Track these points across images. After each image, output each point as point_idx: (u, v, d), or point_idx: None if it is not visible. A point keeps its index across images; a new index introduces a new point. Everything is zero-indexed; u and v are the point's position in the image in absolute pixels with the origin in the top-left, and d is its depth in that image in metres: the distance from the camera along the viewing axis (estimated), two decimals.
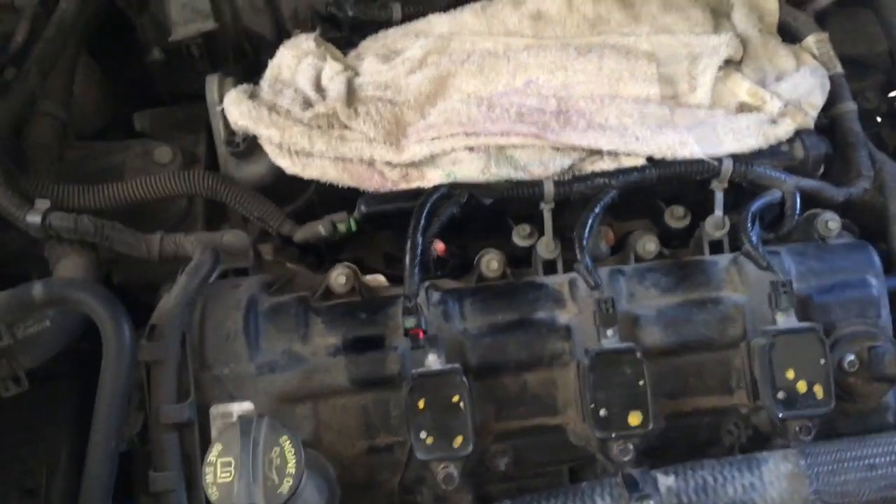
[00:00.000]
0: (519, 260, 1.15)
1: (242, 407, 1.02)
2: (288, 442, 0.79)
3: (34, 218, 1.02)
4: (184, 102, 1.38)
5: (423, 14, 1.29)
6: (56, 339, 0.99)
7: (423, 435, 0.97)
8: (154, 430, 0.98)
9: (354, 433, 1.04)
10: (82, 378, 1.22)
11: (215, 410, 1.01)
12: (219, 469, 0.79)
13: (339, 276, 1.11)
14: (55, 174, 1.17)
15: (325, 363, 1.04)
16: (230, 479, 0.78)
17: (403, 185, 1.14)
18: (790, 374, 0.97)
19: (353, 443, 1.04)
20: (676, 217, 1.15)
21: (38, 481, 1.20)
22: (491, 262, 1.11)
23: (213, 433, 1.01)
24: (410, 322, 0.99)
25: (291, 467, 0.78)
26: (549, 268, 1.11)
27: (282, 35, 1.37)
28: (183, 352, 1.01)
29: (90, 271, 1.05)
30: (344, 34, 1.33)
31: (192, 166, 1.30)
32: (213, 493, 0.78)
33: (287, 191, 1.20)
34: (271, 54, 1.26)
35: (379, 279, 1.16)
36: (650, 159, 1.11)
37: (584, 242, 1.05)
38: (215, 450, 0.80)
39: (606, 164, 1.12)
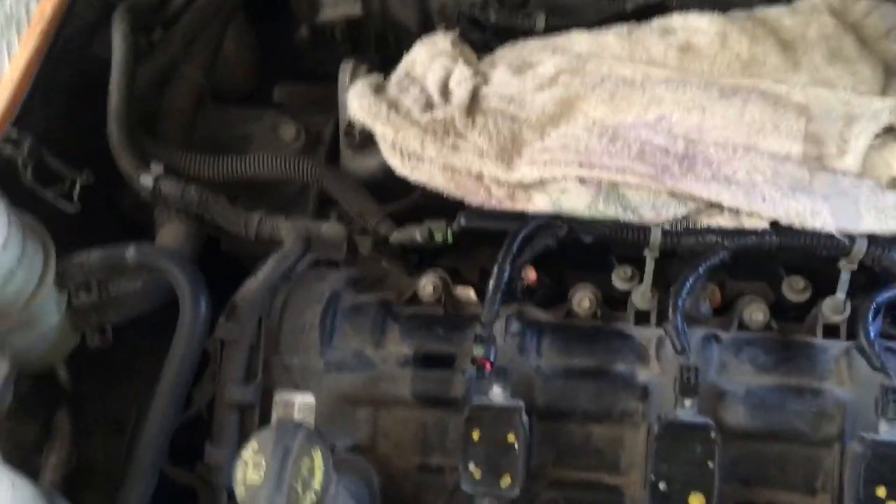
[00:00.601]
0: (615, 301, 1.09)
1: (305, 399, 1.03)
2: (320, 456, 0.79)
3: (146, 181, 1.07)
4: (324, 81, 1.41)
5: (567, 28, 1.23)
6: (144, 300, 1.03)
7: (471, 467, 0.94)
8: (217, 406, 1.01)
9: (409, 447, 1.03)
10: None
11: (278, 397, 1.03)
12: (250, 468, 0.79)
13: (427, 285, 1.10)
14: (184, 138, 1.21)
15: (392, 372, 1.03)
16: (259, 482, 0.78)
17: (508, 205, 1.11)
18: (881, 492, 0.87)
19: (406, 457, 1.03)
20: (795, 289, 1.05)
21: (126, 419, 1.27)
22: (583, 301, 1.06)
23: (273, 418, 1.03)
24: (479, 351, 0.96)
25: (317, 483, 0.78)
26: (643, 318, 1.05)
27: (427, 29, 1.36)
28: (258, 335, 1.03)
29: (190, 239, 1.09)
30: (485, 37, 1.29)
31: (317, 147, 1.33)
32: (240, 491, 0.79)
33: (396, 188, 1.19)
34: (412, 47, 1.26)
35: (469, 293, 1.14)
36: (774, 224, 1.02)
37: (680, 302, 0.98)
38: (250, 448, 0.80)
39: (725, 221, 1.04)
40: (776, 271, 1.08)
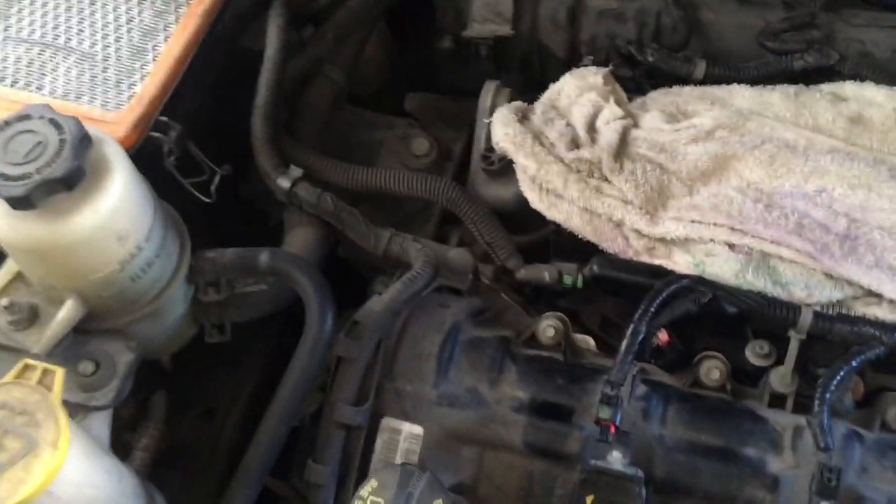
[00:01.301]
0: (744, 374, 1.03)
1: (413, 429, 0.99)
2: None
3: (284, 182, 1.05)
4: (458, 96, 1.37)
5: (728, 81, 1.17)
6: (268, 303, 1.01)
7: None
8: (325, 423, 0.98)
9: (513, 496, 0.98)
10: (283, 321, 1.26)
11: (386, 423, 1.00)
12: None
13: (547, 328, 1.05)
14: (319, 137, 1.19)
15: (505, 415, 0.99)
16: None
17: (646, 259, 1.06)
18: None
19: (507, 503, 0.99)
20: None
21: (218, 405, 1.26)
22: (713, 371, 1.01)
23: (378, 444, 1.00)
24: (606, 413, 0.92)
25: None
26: (777, 401, 0.99)
27: (574, 57, 1.32)
28: (374, 356, 1.00)
29: (319, 245, 1.06)
30: (636, 76, 1.24)
31: (445, 163, 1.29)
32: None
33: (526, 221, 1.15)
34: (556, 74, 1.21)
35: (589, 342, 1.09)
36: None
37: (828, 395, 0.91)
38: (369, 486, 0.77)
39: (882, 312, 0.97)
40: None
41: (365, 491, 0.77)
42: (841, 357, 0.94)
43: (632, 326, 0.97)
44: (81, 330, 0.87)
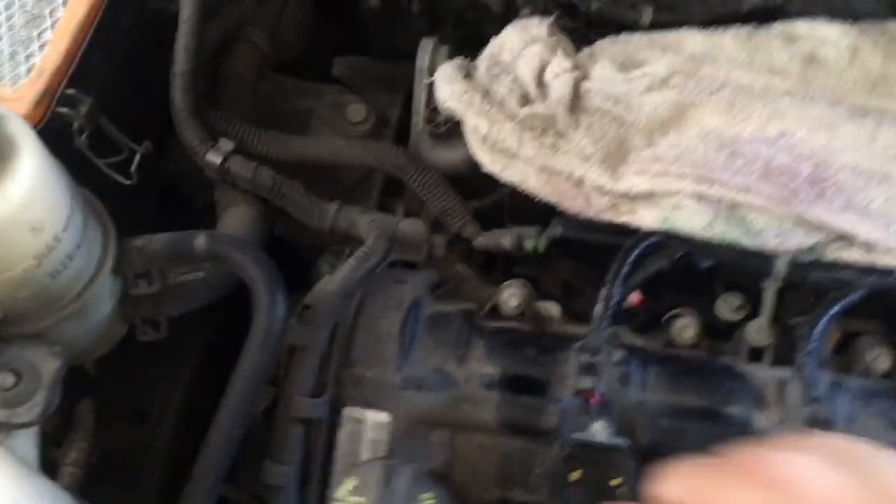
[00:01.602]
0: (715, 331, 0.99)
1: (378, 417, 0.91)
2: (431, 501, 0.68)
3: (214, 158, 0.94)
4: (389, 58, 1.28)
5: (676, 26, 1.12)
6: (205, 293, 0.91)
7: None
8: (281, 420, 0.89)
9: (489, 478, 0.92)
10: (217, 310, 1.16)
11: (348, 413, 0.92)
12: None
13: (511, 297, 0.99)
14: (245, 109, 1.08)
15: (476, 394, 0.92)
16: None
17: (609, 217, 1.00)
18: None
19: (485, 488, 0.92)
20: None
21: (150, 407, 1.15)
22: (686, 330, 0.96)
23: (341, 437, 0.91)
24: (586, 383, 0.86)
25: None
26: (755, 356, 0.95)
27: (510, 11, 1.24)
28: (330, 342, 0.91)
29: (257, 225, 0.97)
30: (579, 26, 1.18)
31: (382, 130, 1.21)
32: None
33: (476, 186, 1.07)
34: (493, 29, 1.13)
35: (553, 309, 1.03)
36: None
37: (814, 345, 0.88)
38: (348, 484, 0.70)
39: (855, 255, 0.94)
40: (892, 310, 0.99)
41: (342, 491, 0.69)
42: (820, 304, 0.91)
43: (605, 289, 0.91)
44: None
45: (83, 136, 0.85)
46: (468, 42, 1.15)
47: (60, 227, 0.71)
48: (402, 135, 1.18)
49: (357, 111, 1.15)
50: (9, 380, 0.73)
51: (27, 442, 0.77)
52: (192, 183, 1.12)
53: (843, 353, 0.98)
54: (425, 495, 0.69)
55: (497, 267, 1.13)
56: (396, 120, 1.22)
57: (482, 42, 1.12)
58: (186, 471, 1.05)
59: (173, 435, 1.15)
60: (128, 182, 0.89)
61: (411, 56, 1.13)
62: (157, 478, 1.13)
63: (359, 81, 1.26)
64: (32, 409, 0.74)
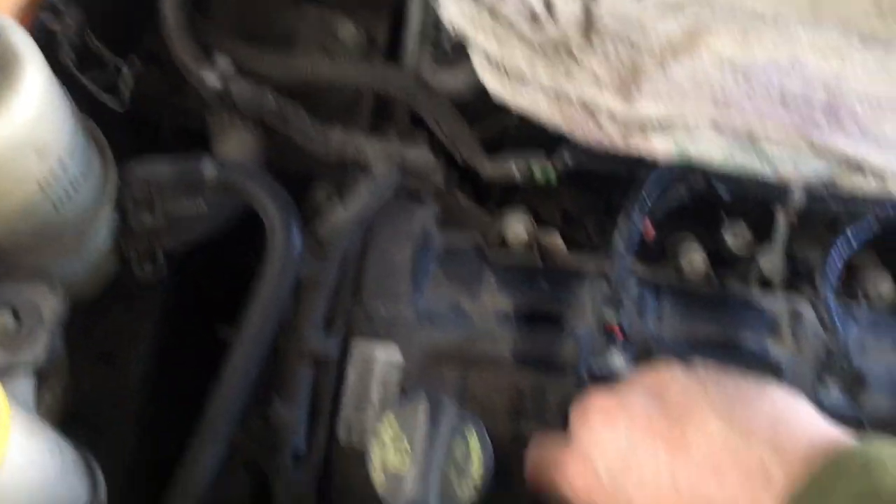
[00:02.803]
0: (721, 260, 0.98)
1: (390, 355, 0.88)
2: (475, 437, 0.66)
3: (212, 79, 0.86)
4: None
5: None
6: (208, 226, 0.85)
7: None
8: (290, 356, 0.85)
9: (502, 414, 0.90)
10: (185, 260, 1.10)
11: (357, 350, 0.88)
12: (391, 451, 0.65)
13: (517, 228, 0.96)
14: (232, 24, 1.00)
15: (491, 329, 0.89)
16: (403, 467, 0.64)
17: (620, 144, 0.96)
18: None
19: (497, 423, 0.90)
20: None
21: (119, 346, 1.10)
22: (695, 260, 0.95)
23: (350, 374, 0.88)
24: (611, 316, 0.84)
25: (476, 471, 0.65)
26: (765, 286, 0.95)
27: None
28: (341, 276, 0.86)
29: (259, 153, 0.90)
30: None
31: (372, 52, 1.14)
32: (378, 478, 0.64)
33: (480, 113, 1.03)
34: None
35: (557, 241, 1.01)
36: None
37: (830, 275, 0.88)
38: (388, 423, 0.66)
39: (868, 184, 0.94)
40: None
41: (384, 430, 0.65)
42: (835, 233, 0.90)
43: (626, 219, 0.89)
44: None
45: (68, 50, 0.77)
46: None
47: (65, 152, 0.64)
48: (388, 57, 1.12)
49: (348, 30, 1.07)
50: (9, 320, 0.67)
51: (27, 388, 0.71)
52: (160, 108, 1.04)
53: (846, 285, 0.98)
54: (468, 430, 0.66)
55: (492, 197, 1.09)
56: (384, 42, 1.15)
57: None
58: (161, 414, 1.00)
59: (144, 377, 1.10)
60: (118, 107, 0.81)
61: None
62: (131, 421, 1.09)
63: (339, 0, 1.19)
64: (35, 350, 0.68)
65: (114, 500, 0.91)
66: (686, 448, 0.64)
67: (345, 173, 0.96)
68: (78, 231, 0.71)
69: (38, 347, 0.68)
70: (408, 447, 0.64)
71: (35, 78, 0.60)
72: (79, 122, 0.67)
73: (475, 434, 0.66)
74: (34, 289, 0.68)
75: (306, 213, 0.93)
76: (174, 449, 0.85)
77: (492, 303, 0.91)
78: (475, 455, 0.66)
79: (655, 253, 0.99)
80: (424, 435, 0.64)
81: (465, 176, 1.09)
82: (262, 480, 0.92)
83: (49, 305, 0.69)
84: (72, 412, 0.92)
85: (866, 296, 0.95)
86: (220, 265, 0.98)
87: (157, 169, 0.78)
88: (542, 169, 0.97)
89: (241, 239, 0.89)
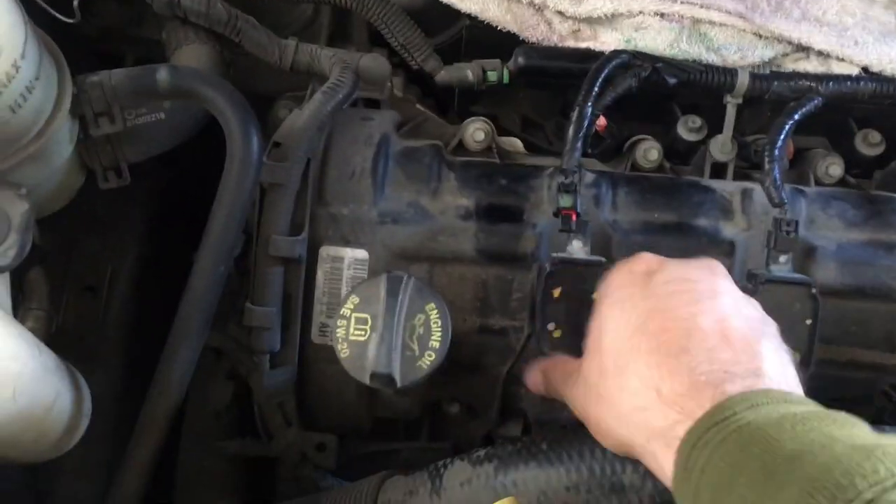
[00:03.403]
0: (676, 155, 1.01)
1: (356, 254, 0.91)
2: (435, 311, 0.69)
3: None
4: None
5: None
6: (168, 136, 0.87)
7: (551, 327, 0.86)
8: (259, 261, 0.87)
9: (468, 307, 0.93)
10: (164, 178, 1.12)
11: (325, 252, 0.91)
12: (352, 325, 0.68)
13: (476, 131, 0.98)
14: None
15: (452, 225, 0.92)
16: (364, 337, 0.67)
17: (570, 43, 0.99)
18: None
19: (464, 317, 0.93)
20: (870, 143, 1.00)
21: (100, 279, 1.12)
22: (650, 152, 0.98)
23: (320, 276, 0.91)
24: (567, 201, 0.87)
25: (436, 340, 0.68)
26: (718, 171, 0.98)
27: None
28: (303, 181, 0.89)
29: (215, 65, 0.91)
30: None
31: None
32: (342, 349, 0.68)
33: (434, 21, 1.04)
34: None
35: (515, 143, 1.04)
36: (865, 71, 0.95)
37: (777, 151, 0.90)
38: (350, 302, 0.69)
39: (812, 66, 0.97)
40: (845, 125, 1.03)
41: (346, 308, 0.69)
42: (782, 113, 0.93)
43: (577, 109, 0.91)
44: None
45: None
46: None
47: (18, 53, 0.65)
48: None
49: None
50: None
51: (1, 290, 0.73)
52: (120, 40, 1.05)
53: (796, 167, 1.02)
54: (429, 305, 0.69)
55: (451, 107, 1.12)
56: None
57: None
58: (145, 343, 1.03)
59: (127, 307, 1.12)
60: (71, 20, 0.82)
61: None
62: (116, 350, 1.11)
63: None
64: (6, 252, 0.70)
65: (103, 426, 0.94)
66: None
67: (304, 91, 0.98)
68: (37, 136, 0.72)
69: (11, 250, 0.70)
70: (369, 319, 0.67)
71: None
72: (31, 28, 0.68)
73: (435, 308, 0.69)
74: (1, 194, 0.70)
75: (269, 130, 0.95)
76: None
77: (452, 200, 0.93)
78: (435, 327, 0.69)
79: (614, 151, 1.02)
80: (384, 307, 0.67)
81: (427, 92, 1.12)
82: (244, 390, 0.96)
83: (17, 209, 0.71)
84: (57, 342, 0.96)
85: (817, 180, 0.98)
86: (196, 195, 1.01)
87: (112, 76, 0.79)
88: (495, 72, 0.99)
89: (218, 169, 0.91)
